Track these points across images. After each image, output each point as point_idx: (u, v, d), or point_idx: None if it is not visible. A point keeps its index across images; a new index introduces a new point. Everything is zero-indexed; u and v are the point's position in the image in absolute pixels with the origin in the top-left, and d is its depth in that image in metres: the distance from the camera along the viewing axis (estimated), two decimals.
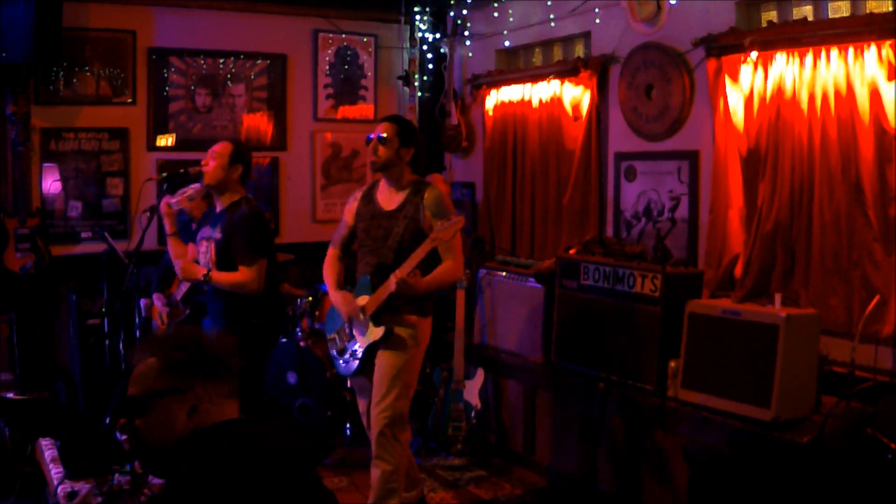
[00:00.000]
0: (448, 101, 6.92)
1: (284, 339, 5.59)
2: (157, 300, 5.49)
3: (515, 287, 5.17)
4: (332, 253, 4.25)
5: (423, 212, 3.92)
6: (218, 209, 4.38)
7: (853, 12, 4.26)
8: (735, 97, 4.63)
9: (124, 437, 2.09)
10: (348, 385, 5.21)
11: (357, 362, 4.05)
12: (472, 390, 5.15)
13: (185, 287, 5.37)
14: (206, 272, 4.26)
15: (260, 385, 4.67)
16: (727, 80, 4.66)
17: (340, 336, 4.14)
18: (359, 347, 4.02)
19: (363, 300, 3.99)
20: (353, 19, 7.08)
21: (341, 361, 4.16)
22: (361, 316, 3.99)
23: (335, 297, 4.13)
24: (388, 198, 4.05)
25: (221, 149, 4.37)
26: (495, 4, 6.42)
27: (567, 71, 5.77)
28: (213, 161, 4.34)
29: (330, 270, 4.22)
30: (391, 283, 3.78)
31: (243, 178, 4.41)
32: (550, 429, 4.91)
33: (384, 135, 3.98)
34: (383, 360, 3.94)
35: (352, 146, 7.12)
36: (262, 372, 4.59)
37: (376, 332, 3.93)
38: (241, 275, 4.20)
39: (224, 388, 1.97)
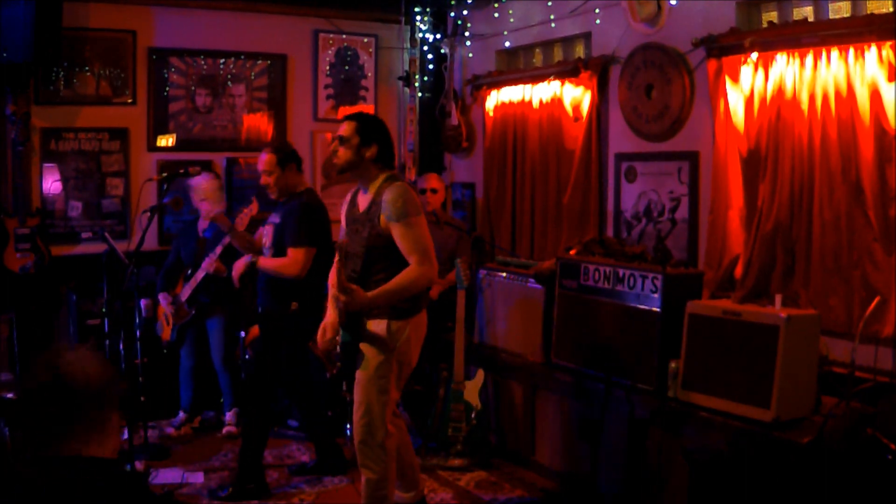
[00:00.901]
0: (448, 102, 6.92)
1: None
2: (163, 300, 5.51)
3: (515, 287, 5.17)
4: (336, 260, 4.21)
5: (379, 215, 3.75)
6: (283, 200, 4.71)
7: (853, 13, 4.26)
8: (735, 98, 4.63)
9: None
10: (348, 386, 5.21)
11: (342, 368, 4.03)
12: (472, 390, 5.15)
13: (189, 288, 5.40)
14: (252, 260, 4.59)
15: (305, 368, 4.83)
16: (727, 81, 4.66)
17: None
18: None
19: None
20: (354, 20, 7.08)
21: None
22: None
23: (329, 314, 4.07)
24: (363, 199, 3.91)
25: (269, 162, 4.63)
26: (496, 5, 6.42)
27: (567, 71, 5.77)
28: (270, 178, 4.63)
29: (333, 279, 4.16)
30: (336, 303, 3.69)
31: (299, 168, 4.75)
32: (550, 429, 4.90)
33: (343, 134, 3.82)
34: (357, 369, 3.87)
35: None
36: (305, 355, 4.75)
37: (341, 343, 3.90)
38: (286, 259, 4.52)
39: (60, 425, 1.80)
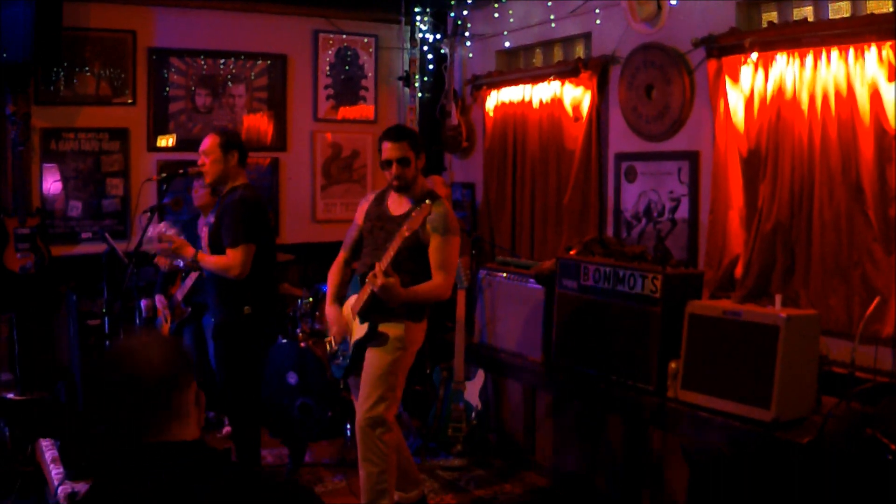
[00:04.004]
0: (448, 102, 6.92)
1: (285, 340, 5.59)
2: (159, 302, 5.52)
3: (515, 287, 5.17)
4: (339, 257, 4.27)
5: (425, 224, 3.87)
6: (218, 192, 4.49)
7: (854, 13, 4.26)
8: (735, 98, 4.63)
9: None
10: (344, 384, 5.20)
11: (348, 361, 4.07)
12: (473, 391, 5.15)
13: (186, 287, 5.40)
14: (194, 253, 4.34)
15: (256, 378, 4.66)
16: (727, 81, 4.66)
17: (335, 339, 4.17)
18: (349, 346, 4.04)
19: (353, 299, 4.02)
20: (354, 20, 7.08)
21: (336, 362, 4.18)
22: (350, 313, 4.02)
23: (328, 310, 4.18)
24: (398, 203, 4.06)
25: (211, 144, 4.39)
26: (496, 5, 6.42)
27: (567, 71, 5.77)
28: (207, 158, 4.36)
29: (333, 278, 4.24)
30: (370, 278, 3.78)
31: (241, 162, 4.43)
32: (550, 429, 4.90)
33: (403, 156, 3.98)
34: (370, 360, 3.96)
35: (352, 146, 7.12)
36: (259, 364, 4.58)
37: (361, 329, 3.95)
38: (226, 258, 4.25)
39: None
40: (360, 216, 4.20)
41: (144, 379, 1.84)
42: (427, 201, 3.80)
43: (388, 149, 3.99)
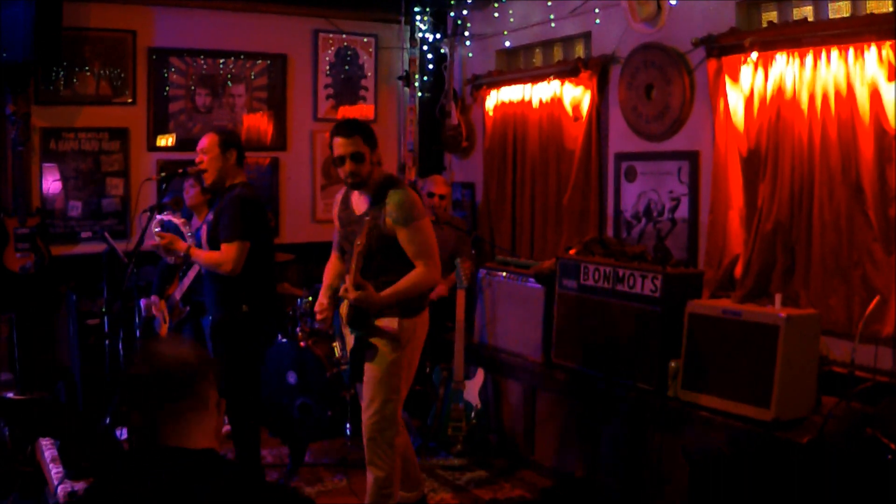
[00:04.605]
0: (448, 102, 6.92)
1: (284, 340, 5.59)
2: (154, 305, 5.51)
3: (515, 287, 5.17)
4: (332, 256, 4.24)
5: (384, 217, 3.76)
6: (217, 191, 4.44)
7: (853, 13, 4.26)
8: (735, 97, 4.64)
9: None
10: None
11: (349, 368, 4.04)
12: (472, 390, 5.15)
13: (184, 286, 5.39)
14: (186, 247, 4.29)
15: (255, 377, 4.65)
16: (727, 81, 4.66)
17: (339, 344, 4.16)
18: (347, 354, 4.01)
19: (344, 306, 3.97)
20: (354, 19, 7.08)
21: (343, 368, 4.16)
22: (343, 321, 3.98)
23: (320, 299, 4.09)
24: (360, 201, 3.93)
25: (209, 143, 4.36)
26: (495, 5, 6.42)
27: (567, 71, 5.77)
28: (205, 156, 4.33)
29: (328, 272, 4.20)
30: (342, 293, 3.71)
31: (239, 161, 4.39)
32: (550, 429, 4.90)
33: (357, 151, 3.77)
34: (368, 366, 3.88)
35: None
36: (256, 363, 4.56)
37: (350, 340, 3.92)
38: (219, 253, 4.21)
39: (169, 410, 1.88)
40: (336, 220, 4.12)
41: (167, 370, 1.88)
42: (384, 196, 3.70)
43: (340, 144, 3.79)
